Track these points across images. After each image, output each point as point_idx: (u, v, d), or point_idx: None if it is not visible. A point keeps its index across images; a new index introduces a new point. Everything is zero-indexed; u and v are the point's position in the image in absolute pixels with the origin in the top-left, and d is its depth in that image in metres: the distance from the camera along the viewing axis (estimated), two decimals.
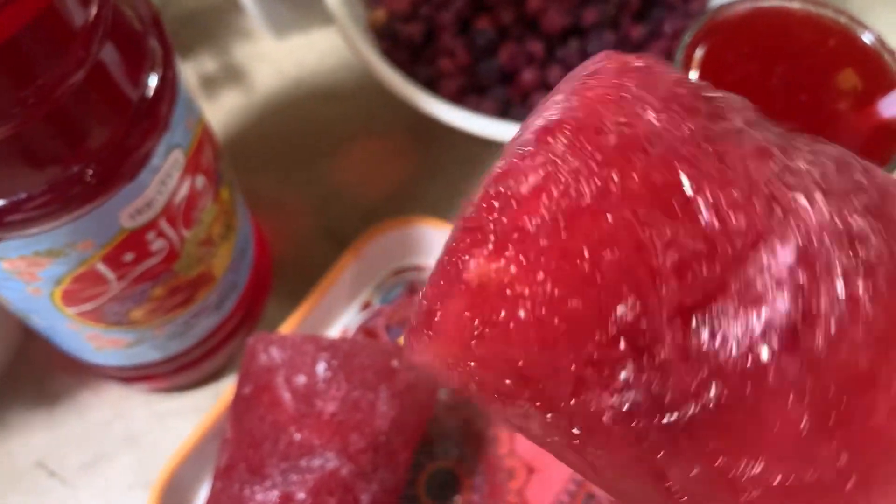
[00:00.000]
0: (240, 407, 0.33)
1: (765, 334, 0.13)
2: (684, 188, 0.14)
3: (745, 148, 0.15)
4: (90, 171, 0.25)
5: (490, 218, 0.15)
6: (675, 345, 0.14)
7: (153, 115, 0.27)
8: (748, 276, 0.14)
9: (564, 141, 0.15)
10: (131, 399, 0.40)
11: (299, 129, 0.48)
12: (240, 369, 0.34)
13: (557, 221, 0.14)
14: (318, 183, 0.46)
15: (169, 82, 0.28)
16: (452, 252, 0.15)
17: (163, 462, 0.38)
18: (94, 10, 0.24)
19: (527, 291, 0.14)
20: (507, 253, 0.15)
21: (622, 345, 0.14)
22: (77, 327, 0.32)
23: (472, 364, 0.15)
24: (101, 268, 0.29)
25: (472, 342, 0.15)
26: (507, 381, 0.15)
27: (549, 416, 0.15)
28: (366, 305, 0.42)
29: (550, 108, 0.15)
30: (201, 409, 0.40)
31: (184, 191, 0.30)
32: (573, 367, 0.14)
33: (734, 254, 0.14)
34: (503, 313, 0.14)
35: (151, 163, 0.27)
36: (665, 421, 0.14)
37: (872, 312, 0.13)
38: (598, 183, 0.14)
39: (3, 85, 0.23)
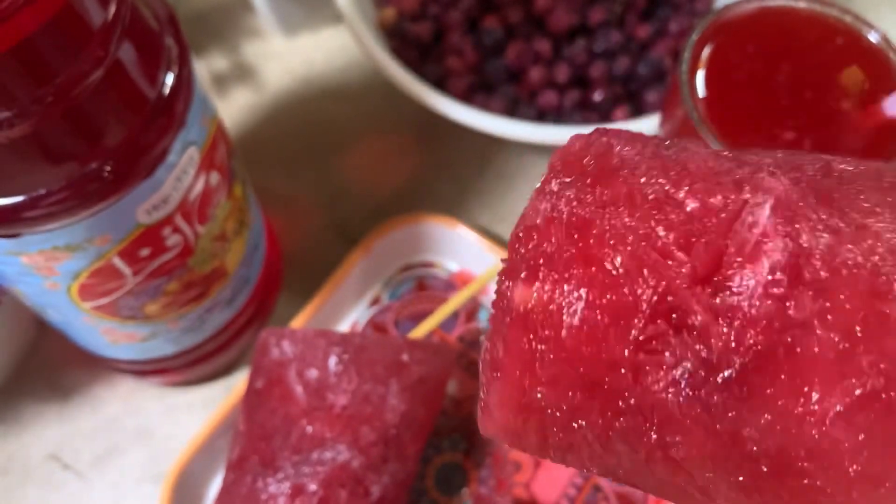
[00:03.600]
0: (252, 400, 0.34)
1: (773, 276, 0.15)
2: (665, 188, 0.16)
3: (702, 154, 0.17)
4: (108, 168, 0.26)
5: (518, 254, 0.17)
6: (704, 309, 0.15)
7: (169, 113, 0.27)
8: (741, 237, 0.15)
9: (558, 179, 0.17)
10: (144, 393, 0.41)
11: (309, 126, 0.48)
12: (252, 363, 0.34)
13: (572, 236, 0.16)
14: (328, 180, 0.46)
15: (185, 80, 0.28)
16: (498, 294, 0.17)
17: (175, 455, 0.39)
18: (112, 10, 0.25)
19: (565, 301, 0.16)
20: (539, 274, 0.16)
21: (660, 323, 0.15)
22: (93, 321, 0.32)
23: (542, 390, 0.16)
24: (118, 262, 0.29)
25: (536, 364, 0.16)
26: (578, 394, 0.16)
27: (622, 420, 0.16)
28: (375, 301, 0.42)
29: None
30: (213, 402, 0.40)
31: (199, 187, 0.30)
32: (626, 353, 0.15)
33: (722, 224, 0.16)
34: (552, 327, 0.16)
35: (168, 160, 0.28)
36: (720, 380, 0.15)
37: (854, 235, 0.15)
38: (594, 199, 0.17)
39: (22, 83, 0.23)
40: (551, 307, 0.16)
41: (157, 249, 0.30)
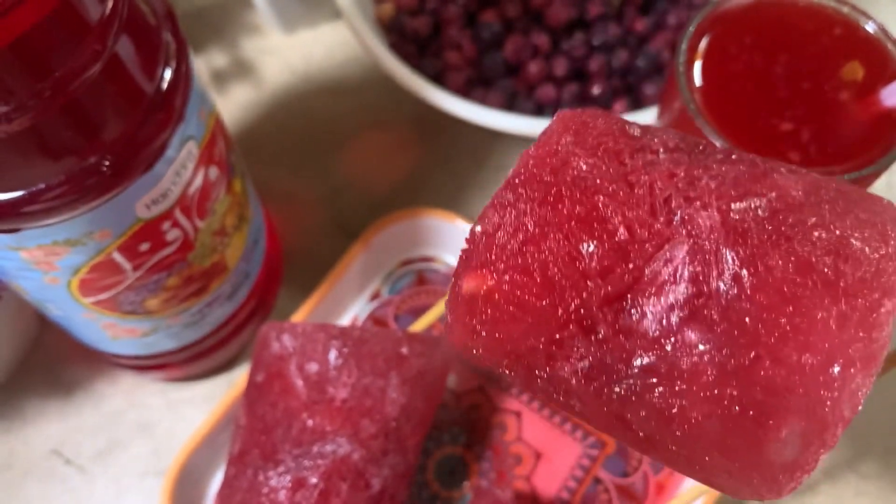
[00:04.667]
0: (252, 394, 0.34)
1: (671, 311, 0.18)
2: (602, 214, 0.19)
3: (654, 174, 0.20)
4: (107, 163, 0.26)
5: (471, 249, 0.21)
6: (609, 325, 0.19)
7: (168, 107, 0.27)
8: (655, 270, 0.19)
9: (514, 191, 0.20)
10: (145, 388, 0.41)
11: (308, 122, 0.48)
12: (252, 357, 0.35)
13: (514, 247, 0.20)
14: (327, 175, 0.47)
15: (183, 75, 0.28)
16: (455, 275, 0.21)
17: (177, 450, 0.39)
18: (109, 5, 0.25)
19: (500, 297, 0.20)
20: (483, 272, 0.20)
21: (573, 328, 0.19)
22: (93, 316, 0.33)
23: (480, 350, 0.21)
24: (118, 257, 0.29)
25: (475, 336, 0.20)
26: (505, 360, 0.20)
27: (538, 382, 0.20)
28: (375, 295, 0.42)
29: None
30: (214, 397, 0.41)
31: (198, 182, 0.30)
32: (542, 346, 0.20)
33: (642, 256, 0.19)
34: (489, 314, 0.20)
35: (166, 154, 0.28)
36: (614, 379, 0.19)
37: (752, 286, 0.18)
38: (540, 216, 0.20)
39: (20, 77, 0.23)
40: (490, 299, 0.20)
41: (157, 244, 0.30)
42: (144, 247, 0.30)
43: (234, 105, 0.49)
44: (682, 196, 0.19)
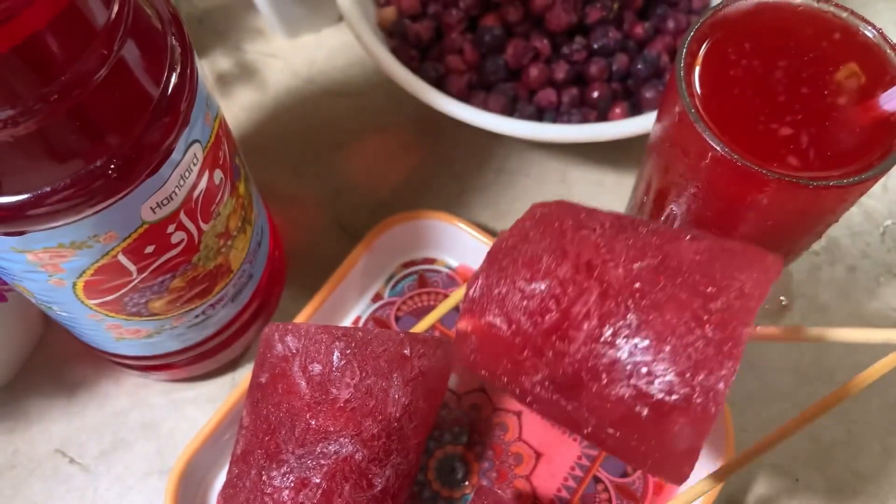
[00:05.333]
0: (256, 395, 0.34)
1: (587, 340, 0.27)
2: (543, 273, 0.28)
3: (584, 245, 0.28)
4: (112, 166, 0.26)
5: (466, 303, 0.30)
6: (553, 350, 0.27)
7: (173, 111, 0.28)
8: (577, 311, 0.27)
9: (488, 263, 0.30)
10: (149, 388, 0.41)
11: (311, 125, 0.49)
12: (256, 358, 0.35)
13: (489, 302, 0.29)
14: (330, 177, 0.47)
15: (188, 79, 0.28)
16: (458, 320, 0.31)
17: (180, 449, 0.39)
18: (115, 9, 0.25)
19: (482, 333, 0.29)
20: (471, 317, 0.30)
21: (527, 352, 0.28)
22: (98, 318, 0.33)
23: (476, 368, 0.31)
24: (123, 259, 0.29)
25: (470, 358, 0.30)
26: (488, 375, 0.30)
27: (512, 389, 0.30)
28: (377, 297, 0.43)
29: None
30: (218, 397, 0.41)
31: (202, 185, 0.30)
32: (510, 365, 0.29)
33: (569, 300, 0.27)
34: (476, 344, 0.30)
35: (172, 157, 0.28)
36: (556, 390, 0.28)
37: (642, 319, 0.26)
38: (503, 279, 0.29)
39: (27, 81, 0.23)
40: (473, 338, 0.30)
41: (162, 246, 0.30)
42: (150, 249, 0.30)
43: (237, 108, 0.49)
44: (601, 259, 0.27)
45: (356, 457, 0.32)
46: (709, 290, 0.26)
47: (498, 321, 0.28)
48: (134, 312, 0.33)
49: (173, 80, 0.28)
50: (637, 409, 0.26)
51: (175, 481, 0.36)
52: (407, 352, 0.33)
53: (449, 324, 0.41)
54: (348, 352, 0.33)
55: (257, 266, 0.38)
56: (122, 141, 0.26)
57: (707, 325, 0.25)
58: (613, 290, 0.26)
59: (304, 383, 0.33)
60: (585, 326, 0.27)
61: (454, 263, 0.44)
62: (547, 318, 0.27)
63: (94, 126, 0.26)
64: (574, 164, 0.47)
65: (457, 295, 0.37)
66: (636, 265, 0.26)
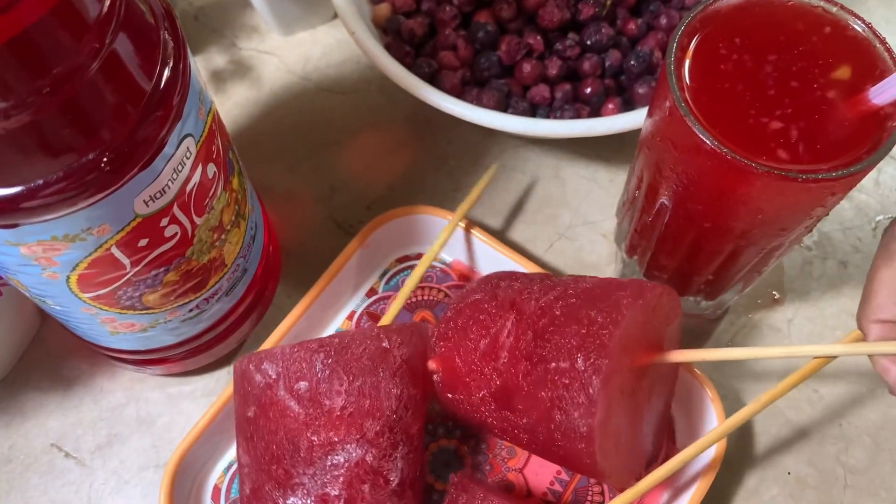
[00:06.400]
0: (248, 430, 0.34)
1: (512, 355, 0.33)
2: (482, 316, 0.35)
3: (510, 291, 0.35)
4: (105, 159, 0.26)
5: (434, 350, 0.36)
6: (493, 370, 0.34)
7: (166, 105, 0.28)
8: (503, 335, 0.34)
9: (445, 325, 0.36)
10: (145, 382, 0.41)
11: (305, 121, 0.49)
12: (235, 395, 0.35)
13: (450, 351, 0.35)
14: (324, 173, 0.47)
15: (181, 73, 0.29)
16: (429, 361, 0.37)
17: (175, 443, 0.39)
18: (107, 3, 0.25)
19: (441, 373, 0.36)
20: (436, 361, 0.36)
21: (473, 379, 0.35)
22: (92, 311, 0.33)
23: (446, 401, 0.36)
24: (117, 252, 0.30)
25: (439, 388, 0.36)
26: (454, 402, 0.36)
27: (475, 415, 0.36)
28: (371, 291, 0.43)
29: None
30: (213, 391, 0.41)
31: (196, 178, 0.31)
32: (465, 392, 0.35)
33: (496, 328, 0.34)
34: (442, 379, 0.36)
35: (165, 151, 0.28)
36: (495, 401, 0.34)
37: (547, 340, 0.33)
38: (453, 330, 0.35)
39: (19, 74, 0.24)
40: (444, 372, 0.36)
41: (156, 240, 0.31)
42: (143, 242, 0.30)
43: (232, 104, 0.50)
44: (521, 298, 0.34)
45: (367, 458, 0.32)
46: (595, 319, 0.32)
47: (458, 364, 0.35)
48: (128, 306, 0.33)
49: (166, 74, 0.28)
50: (549, 406, 0.32)
51: (170, 475, 0.36)
52: (386, 344, 0.33)
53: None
54: (329, 360, 0.33)
55: (252, 260, 0.38)
56: (115, 134, 0.27)
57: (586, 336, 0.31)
58: (525, 316, 0.33)
59: (294, 404, 0.33)
60: (507, 344, 0.33)
61: (448, 259, 0.44)
62: (482, 343, 0.34)
63: (86, 119, 0.26)
64: (567, 160, 0.47)
65: (410, 283, 0.38)
66: (544, 299, 0.34)
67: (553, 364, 0.31)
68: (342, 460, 0.32)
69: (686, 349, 0.34)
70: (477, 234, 0.42)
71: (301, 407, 0.33)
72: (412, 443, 0.34)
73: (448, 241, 0.43)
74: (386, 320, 0.37)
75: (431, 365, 0.35)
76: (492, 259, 0.42)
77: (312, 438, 0.32)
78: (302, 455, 0.32)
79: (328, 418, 0.32)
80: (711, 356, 0.33)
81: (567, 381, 0.31)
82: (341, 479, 0.32)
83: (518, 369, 0.33)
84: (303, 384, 0.33)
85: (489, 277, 0.37)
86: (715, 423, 0.36)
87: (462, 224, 0.42)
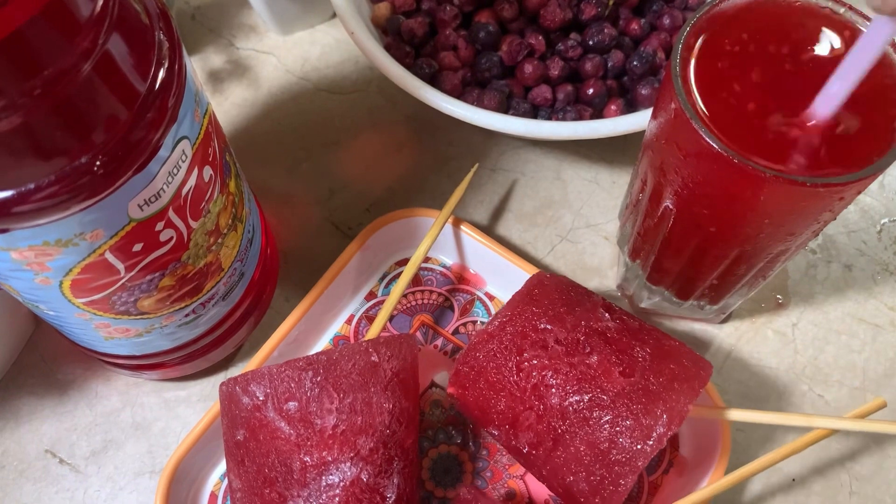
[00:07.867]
0: (238, 454, 0.33)
1: (550, 407, 0.33)
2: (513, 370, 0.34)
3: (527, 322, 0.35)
4: (98, 162, 0.26)
5: (455, 375, 0.36)
6: (526, 420, 0.34)
7: (161, 107, 0.27)
8: (546, 385, 0.34)
9: (472, 352, 0.35)
10: (140, 387, 0.41)
11: (304, 122, 0.48)
12: (222, 419, 0.34)
13: (472, 376, 0.35)
14: (323, 175, 0.46)
15: (176, 74, 0.28)
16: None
17: (171, 449, 0.39)
18: (100, 2, 0.25)
19: (466, 397, 0.35)
20: (456, 388, 0.36)
21: (504, 421, 0.34)
22: (86, 317, 0.32)
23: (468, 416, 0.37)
24: (111, 257, 0.29)
25: (462, 410, 0.37)
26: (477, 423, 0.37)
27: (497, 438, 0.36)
28: (371, 295, 0.42)
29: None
30: (210, 396, 0.41)
31: (192, 182, 0.30)
32: (495, 422, 0.35)
33: (540, 392, 0.34)
34: (460, 404, 0.36)
35: (159, 154, 0.28)
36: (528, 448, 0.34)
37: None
38: (481, 364, 0.35)
39: (10, 75, 0.23)
40: (464, 399, 0.36)
41: (151, 244, 0.30)
42: (138, 247, 0.30)
43: (230, 105, 0.49)
44: (545, 385, 0.34)
45: (362, 476, 0.31)
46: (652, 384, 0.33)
47: (481, 391, 0.35)
48: (122, 311, 0.33)
49: (161, 75, 0.27)
50: (594, 475, 0.32)
51: (166, 482, 0.36)
52: (375, 358, 0.33)
53: (444, 323, 0.41)
54: (318, 378, 0.32)
55: (249, 264, 0.38)
56: (108, 137, 0.26)
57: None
58: (572, 383, 0.33)
59: (285, 425, 0.32)
60: (553, 396, 0.33)
61: (448, 262, 0.43)
62: (518, 389, 0.34)
63: (79, 121, 0.25)
64: (569, 162, 0.47)
65: (397, 291, 0.38)
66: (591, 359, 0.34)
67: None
68: (337, 480, 0.31)
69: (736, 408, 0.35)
70: (476, 236, 0.41)
71: (292, 427, 0.32)
72: (407, 456, 0.33)
73: (448, 244, 0.43)
74: (373, 332, 0.37)
75: (450, 389, 0.36)
76: (492, 261, 0.41)
77: (305, 459, 0.31)
78: (295, 477, 0.31)
79: (320, 437, 0.31)
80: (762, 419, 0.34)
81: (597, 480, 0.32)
82: (337, 499, 0.31)
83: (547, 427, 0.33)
84: (292, 404, 0.32)
85: (529, 315, 0.35)
86: (718, 426, 0.36)
87: (466, 228, 0.41)
